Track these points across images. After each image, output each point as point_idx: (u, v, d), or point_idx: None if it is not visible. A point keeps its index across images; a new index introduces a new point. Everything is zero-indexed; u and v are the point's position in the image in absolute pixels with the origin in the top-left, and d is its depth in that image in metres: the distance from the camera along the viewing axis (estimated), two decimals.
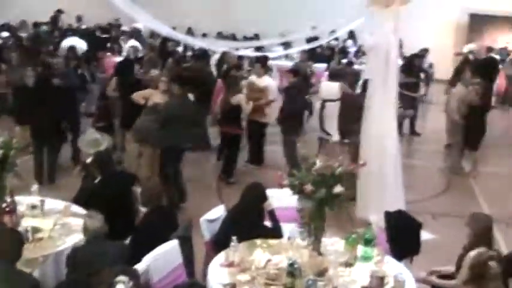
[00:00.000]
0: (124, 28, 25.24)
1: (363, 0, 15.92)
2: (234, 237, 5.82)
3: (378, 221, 7.91)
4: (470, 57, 20.14)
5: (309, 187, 5.20)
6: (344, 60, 21.05)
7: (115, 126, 11.53)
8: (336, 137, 12.35)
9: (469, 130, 12.41)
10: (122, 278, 4.96)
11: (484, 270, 5.04)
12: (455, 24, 25.29)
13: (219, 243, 6.33)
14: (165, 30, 14.40)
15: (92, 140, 8.02)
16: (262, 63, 13.40)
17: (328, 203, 5.33)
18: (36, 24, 23.09)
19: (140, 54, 16.35)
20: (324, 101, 12.16)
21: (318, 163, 5.30)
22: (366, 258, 5.90)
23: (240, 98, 10.91)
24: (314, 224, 5.51)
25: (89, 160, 7.75)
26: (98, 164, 7.27)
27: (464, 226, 6.18)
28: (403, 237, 6.73)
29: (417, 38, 21.68)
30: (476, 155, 12.77)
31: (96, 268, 5.15)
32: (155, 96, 9.94)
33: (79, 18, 25.15)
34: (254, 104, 11.33)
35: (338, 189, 5.30)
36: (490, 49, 21.60)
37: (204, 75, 13.11)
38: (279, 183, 5.53)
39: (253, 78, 12.42)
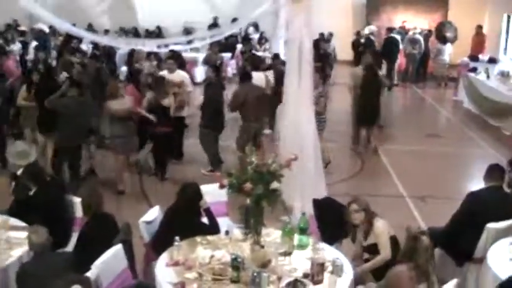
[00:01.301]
0: (22, 28, 24.84)
1: None
2: (176, 237, 6.05)
3: (301, 207, 8.25)
4: (372, 38, 20.94)
5: (248, 185, 5.48)
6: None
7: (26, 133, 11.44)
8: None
9: (363, 108, 13.18)
10: (76, 287, 5.15)
11: (415, 244, 5.44)
12: (352, 6, 26.07)
13: (159, 243, 6.55)
14: (72, 29, 14.39)
15: (21, 151, 8.05)
16: (175, 59, 13.63)
17: (266, 198, 5.62)
18: None
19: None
20: None
21: (255, 161, 5.58)
22: (302, 246, 6.25)
23: (170, 100, 11.18)
24: (253, 219, 5.79)
25: (19, 172, 7.79)
26: (31, 176, 7.32)
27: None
28: (332, 222, 7.11)
29: (317, 22, 22.16)
30: (372, 132, 13.53)
31: (48, 281, 5.29)
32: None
33: None
34: (177, 100, 11.61)
35: (275, 185, 5.62)
36: (390, 29, 22.40)
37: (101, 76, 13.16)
38: (220, 183, 5.78)
39: (164, 73, 12.57)
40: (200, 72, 20.01)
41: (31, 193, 7.28)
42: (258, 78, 13.26)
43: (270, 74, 14.08)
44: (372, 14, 25.51)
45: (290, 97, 8.76)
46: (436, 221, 7.93)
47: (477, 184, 11.20)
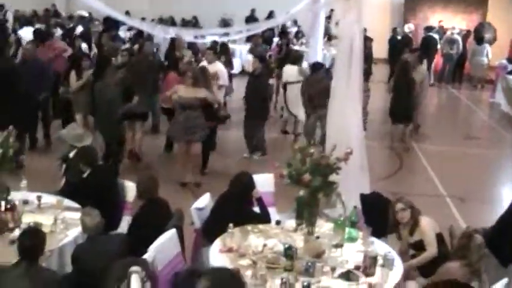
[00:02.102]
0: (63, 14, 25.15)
1: None
2: (230, 224, 6.18)
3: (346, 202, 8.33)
4: (410, 36, 20.91)
5: (307, 177, 5.58)
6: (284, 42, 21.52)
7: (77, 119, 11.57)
8: (301, 116, 12.96)
9: (396, 105, 13.31)
10: (135, 268, 5.28)
11: (469, 242, 5.52)
12: (391, 5, 26.04)
13: (210, 230, 6.68)
14: (115, 14, 14.48)
15: (77, 135, 8.21)
16: (214, 50, 13.78)
17: (323, 190, 5.72)
18: None
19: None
20: (286, 83, 12.89)
21: (315, 153, 5.68)
22: (352, 239, 6.34)
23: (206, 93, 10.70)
24: (308, 210, 5.90)
25: (71, 154, 7.95)
26: (86, 159, 7.47)
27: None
28: (378, 217, 7.18)
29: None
30: (406, 130, 13.53)
31: (103, 263, 5.43)
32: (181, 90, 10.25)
33: (1, 6, 24.63)
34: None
35: (333, 177, 5.72)
36: (428, 28, 22.32)
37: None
38: (280, 174, 5.88)
39: (204, 64, 12.73)
40: (237, 64, 20.10)
41: (84, 176, 7.43)
42: (292, 70, 13.47)
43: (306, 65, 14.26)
44: (409, 13, 25.46)
45: (338, 93, 8.81)
46: (475, 222, 7.89)
47: None
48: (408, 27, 22.14)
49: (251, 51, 18.22)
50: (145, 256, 5.69)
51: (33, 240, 5.23)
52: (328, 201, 6.55)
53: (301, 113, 12.79)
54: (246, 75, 18.39)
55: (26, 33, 17.04)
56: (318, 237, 6.04)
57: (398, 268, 5.86)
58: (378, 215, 7.23)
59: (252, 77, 12.34)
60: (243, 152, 12.16)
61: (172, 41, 16.16)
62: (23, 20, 22.32)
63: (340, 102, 8.75)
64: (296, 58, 14.04)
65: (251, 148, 12.01)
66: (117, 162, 10.43)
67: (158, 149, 12.32)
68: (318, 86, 11.55)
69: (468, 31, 23.32)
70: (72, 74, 11.49)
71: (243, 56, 21.07)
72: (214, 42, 15.94)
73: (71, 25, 21.00)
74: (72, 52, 14.10)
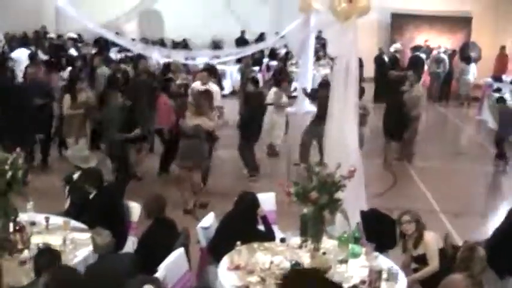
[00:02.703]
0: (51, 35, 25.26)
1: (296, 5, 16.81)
2: (238, 242, 6.33)
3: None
4: (397, 56, 21.21)
5: (314, 194, 5.74)
6: (274, 63, 21.81)
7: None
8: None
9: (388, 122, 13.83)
10: (148, 286, 5.41)
11: (472, 254, 5.71)
12: (378, 24, 26.33)
13: (216, 248, 6.83)
14: (108, 34, 14.57)
15: (83, 156, 8.34)
16: (209, 71, 13.95)
17: (329, 207, 5.89)
18: None
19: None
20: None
21: (321, 171, 5.85)
22: (355, 254, 6.51)
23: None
24: (314, 227, 6.06)
25: (75, 176, 8.07)
26: (92, 180, 7.60)
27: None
28: (379, 233, 7.36)
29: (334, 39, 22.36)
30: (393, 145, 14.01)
31: (114, 281, 5.55)
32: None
33: None
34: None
35: (339, 195, 5.89)
36: (416, 48, 22.66)
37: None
38: (286, 192, 6.03)
39: (197, 84, 12.91)
40: (228, 85, 20.30)
41: (90, 197, 7.55)
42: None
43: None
44: (396, 32, 25.79)
45: (335, 112, 8.96)
46: (469, 236, 8.12)
47: (507, 200, 11.59)
48: (395, 47, 22.46)
49: (240, 73, 18.44)
50: (156, 275, 5.81)
51: (49, 259, 5.34)
52: (331, 218, 6.70)
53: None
54: (236, 96, 18.68)
55: (20, 55, 17.17)
56: (324, 253, 6.20)
57: (402, 282, 6.04)
58: (378, 231, 7.42)
59: (246, 99, 12.51)
60: (239, 170, 12.33)
61: (166, 64, 16.34)
62: (14, 42, 22.41)
63: (337, 121, 8.90)
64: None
65: (248, 166, 12.20)
66: (125, 182, 10.49)
67: (153, 170, 12.43)
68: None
69: (454, 50, 23.68)
70: (67, 97, 11.62)
71: (233, 77, 21.26)
72: (208, 64, 16.12)
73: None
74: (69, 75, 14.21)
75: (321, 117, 11.58)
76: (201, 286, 6.60)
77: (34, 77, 12.26)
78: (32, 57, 15.02)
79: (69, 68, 15.53)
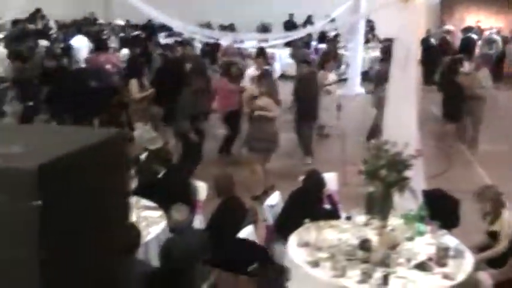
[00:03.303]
0: (101, 21, 25.63)
1: None
2: (306, 220, 6.50)
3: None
4: (448, 38, 21.07)
5: (383, 172, 5.88)
6: (323, 45, 21.84)
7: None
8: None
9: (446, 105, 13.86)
10: None
11: None
12: (427, 6, 26.06)
13: (282, 226, 7.02)
14: (167, 20, 14.77)
15: (151, 138, 8.60)
16: (262, 56, 14.14)
17: (398, 185, 6.02)
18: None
19: None
20: None
21: (390, 150, 5.98)
22: (421, 232, 6.63)
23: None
24: (382, 205, 6.19)
25: (143, 156, 8.32)
26: (161, 160, 7.84)
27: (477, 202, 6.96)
28: (442, 212, 7.45)
29: (387, 21, 22.28)
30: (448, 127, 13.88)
31: (191, 256, 5.78)
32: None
33: (42, 17, 25.19)
34: None
35: (407, 173, 6.02)
36: (467, 29, 22.45)
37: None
38: (358, 170, 6.18)
39: (252, 70, 13.09)
40: (277, 68, 20.42)
41: (159, 176, 7.79)
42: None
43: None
44: (445, 14, 25.58)
45: (394, 96, 9.03)
46: None
47: None
48: (445, 29, 22.26)
49: (293, 55, 18.52)
50: None
51: (132, 235, 5.56)
52: (415, 196, 6.84)
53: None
54: (286, 79, 18.75)
55: (78, 42, 17.51)
56: (393, 230, 6.33)
57: (470, 259, 6.14)
58: (442, 210, 7.50)
59: (300, 81, 12.58)
60: (293, 152, 12.44)
61: (214, 46, 16.53)
62: (66, 29, 22.78)
63: (396, 103, 8.97)
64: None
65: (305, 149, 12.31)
66: (196, 163, 10.64)
67: (210, 151, 12.56)
68: None
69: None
70: (134, 82, 11.85)
71: (282, 60, 21.36)
72: (261, 49, 16.26)
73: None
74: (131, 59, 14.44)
75: None
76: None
77: (95, 62, 12.51)
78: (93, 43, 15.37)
79: (125, 52, 15.82)
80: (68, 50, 16.10)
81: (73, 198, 2.77)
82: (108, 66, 13.63)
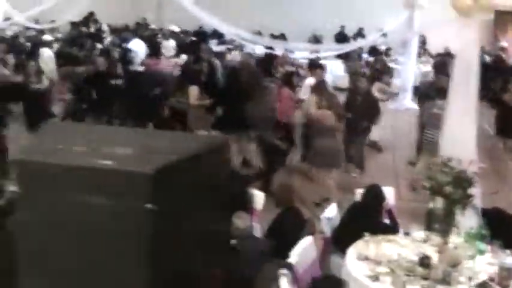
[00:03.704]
0: (153, 27, 25.88)
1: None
2: (366, 234, 6.48)
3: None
4: (502, 55, 20.84)
5: (448, 189, 5.83)
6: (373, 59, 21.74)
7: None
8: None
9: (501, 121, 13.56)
10: (283, 271, 5.63)
11: None
12: (481, 21, 25.76)
13: (340, 238, 7.00)
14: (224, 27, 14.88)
15: None
16: (320, 67, 14.12)
17: (462, 202, 5.96)
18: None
19: None
20: None
21: (456, 166, 5.94)
22: (481, 251, 6.55)
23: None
24: (444, 222, 6.13)
25: None
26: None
27: None
28: (502, 232, 7.34)
29: (441, 36, 22.12)
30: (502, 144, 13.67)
31: (255, 262, 5.79)
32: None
33: (95, 20, 25.58)
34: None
35: (472, 190, 5.96)
36: None
37: None
38: (421, 185, 6.14)
39: (310, 81, 13.08)
40: (329, 80, 20.35)
41: None
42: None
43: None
44: (500, 30, 25.26)
45: (454, 110, 8.95)
46: None
47: None
48: (499, 45, 22.01)
49: (347, 67, 18.47)
50: (289, 260, 6.03)
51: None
52: (478, 213, 6.76)
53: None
54: (337, 90, 18.67)
55: (136, 46, 17.78)
56: (455, 248, 6.27)
57: None
58: (502, 230, 7.39)
59: (355, 91, 12.52)
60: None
61: (270, 55, 16.57)
62: (120, 33, 23.08)
63: (455, 118, 8.89)
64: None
65: (349, 159, 12.21)
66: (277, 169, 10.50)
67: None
68: None
69: None
70: (194, 89, 11.92)
71: (333, 72, 21.31)
72: (316, 59, 16.28)
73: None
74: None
75: None
76: (328, 274, 6.75)
77: (154, 67, 12.66)
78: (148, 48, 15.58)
79: (184, 57, 16.00)
80: (125, 54, 16.31)
81: (182, 203, 2.81)
82: (165, 71, 13.76)
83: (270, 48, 18.09)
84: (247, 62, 15.26)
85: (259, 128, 10.84)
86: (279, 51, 18.20)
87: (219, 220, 3.22)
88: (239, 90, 11.44)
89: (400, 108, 18.19)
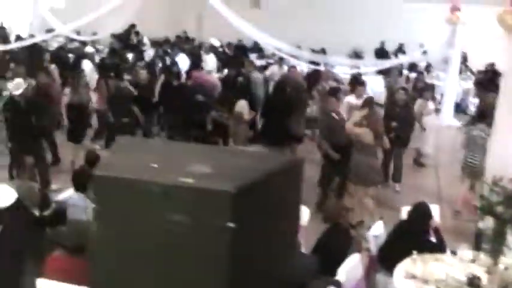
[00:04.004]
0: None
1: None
2: (414, 251, 6.42)
3: None
4: None
5: (500, 209, 5.77)
6: (413, 75, 21.58)
7: None
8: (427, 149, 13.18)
9: None
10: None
11: None
12: None
13: (386, 256, 6.95)
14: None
15: None
16: (362, 84, 14.09)
17: None
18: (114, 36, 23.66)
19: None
20: None
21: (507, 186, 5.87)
22: None
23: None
24: (495, 242, 6.06)
25: None
26: None
27: None
28: None
29: (483, 52, 21.92)
30: None
31: (302, 278, 5.76)
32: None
33: (137, 33, 25.81)
34: None
35: None
36: None
37: None
38: (474, 206, 6.09)
39: (351, 98, 13.08)
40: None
41: None
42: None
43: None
44: None
45: (501, 127, 8.86)
46: None
47: None
48: None
49: (388, 83, 18.30)
50: (337, 277, 6.00)
51: None
52: None
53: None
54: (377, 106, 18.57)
55: (182, 59, 17.99)
56: (506, 268, 6.19)
57: None
58: None
59: (397, 107, 12.43)
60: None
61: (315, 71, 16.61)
62: (166, 46, 23.22)
63: (504, 137, 8.78)
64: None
65: (386, 176, 12.10)
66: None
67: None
68: None
69: None
70: (244, 104, 12.03)
71: (373, 89, 21.18)
72: (359, 75, 16.23)
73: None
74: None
75: None
76: None
77: (197, 80, 12.80)
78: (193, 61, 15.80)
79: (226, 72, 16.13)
80: (172, 66, 16.47)
81: (260, 222, 2.82)
82: (207, 85, 13.86)
83: (314, 63, 18.01)
84: (293, 76, 15.25)
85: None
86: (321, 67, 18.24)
87: (286, 236, 3.20)
88: (285, 103, 11.50)
89: (442, 124, 18.02)
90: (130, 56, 20.20)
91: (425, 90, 15.44)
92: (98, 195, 3.16)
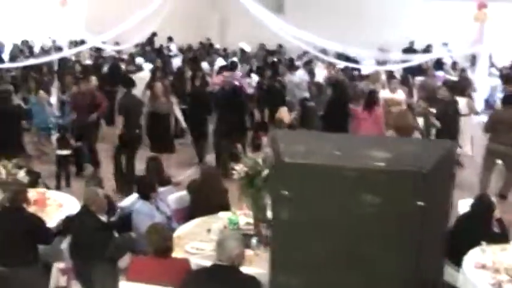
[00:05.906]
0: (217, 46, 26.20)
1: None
2: (483, 242, 6.56)
3: None
4: None
5: None
6: (440, 73, 21.61)
7: None
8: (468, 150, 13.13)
9: None
10: None
11: None
12: None
13: (450, 248, 7.04)
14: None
15: None
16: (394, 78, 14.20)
17: None
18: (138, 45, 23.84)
19: None
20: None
21: None
22: None
23: None
24: None
25: None
26: None
27: None
28: None
29: (506, 47, 21.91)
30: None
31: None
32: None
33: (170, 39, 26.07)
34: None
35: None
36: None
37: None
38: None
39: (386, 93, 13.16)
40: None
41: None
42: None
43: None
44: None
45: None
46: None
47: None
48: None
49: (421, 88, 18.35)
50: None
51: None
52: None
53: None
54: None
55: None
56: None
57: None
58: None
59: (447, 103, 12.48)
60: None
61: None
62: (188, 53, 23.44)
63: None
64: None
65: None
66: None
67: None
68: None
69: None
70: (285, 110, 12.32)
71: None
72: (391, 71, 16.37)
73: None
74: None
75: None
76: (444, 282, 6.82)
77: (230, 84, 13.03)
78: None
79: (255, 78, 16.29)
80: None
81: (437, 202, 3.01)
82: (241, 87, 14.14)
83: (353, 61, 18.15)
84: (342, 78, 15.41)
85: None
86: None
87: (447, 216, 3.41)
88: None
89: (473, 122, 18.04)
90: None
91: (467, 87, 15.28)
92: (288, 182, 3.27)
